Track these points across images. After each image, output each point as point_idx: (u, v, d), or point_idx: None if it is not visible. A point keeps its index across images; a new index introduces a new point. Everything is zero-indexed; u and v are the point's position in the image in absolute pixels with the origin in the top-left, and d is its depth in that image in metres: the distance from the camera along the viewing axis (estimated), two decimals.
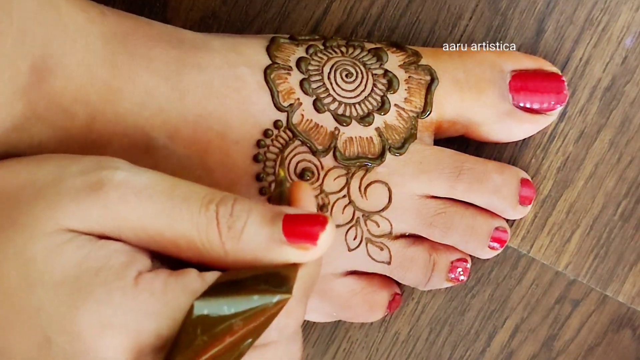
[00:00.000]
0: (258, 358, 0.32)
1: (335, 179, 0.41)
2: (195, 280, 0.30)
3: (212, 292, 0.30)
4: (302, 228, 0.31)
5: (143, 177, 0.31)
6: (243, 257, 0.31)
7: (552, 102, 0.42)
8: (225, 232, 0.31)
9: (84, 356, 0.30)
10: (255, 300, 0.30)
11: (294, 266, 0.31)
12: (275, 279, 0.31)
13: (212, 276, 0.31)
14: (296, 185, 0.34)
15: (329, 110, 0.41)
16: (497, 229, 0.43)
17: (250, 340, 0.30)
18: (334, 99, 0.41)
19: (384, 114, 0.41)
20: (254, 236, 0.31)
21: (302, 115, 0.40)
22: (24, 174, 0.32)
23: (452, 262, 0.43)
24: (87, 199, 0.30)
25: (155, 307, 0.30)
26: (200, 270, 0.31)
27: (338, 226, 0.41)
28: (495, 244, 0.43)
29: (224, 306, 0.30)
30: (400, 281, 0.44)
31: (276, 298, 0.30)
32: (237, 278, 0.31)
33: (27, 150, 0.36)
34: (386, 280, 0.44)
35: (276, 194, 0.35)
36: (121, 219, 0.30)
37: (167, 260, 0.32)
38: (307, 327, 0.46)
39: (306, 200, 0.33)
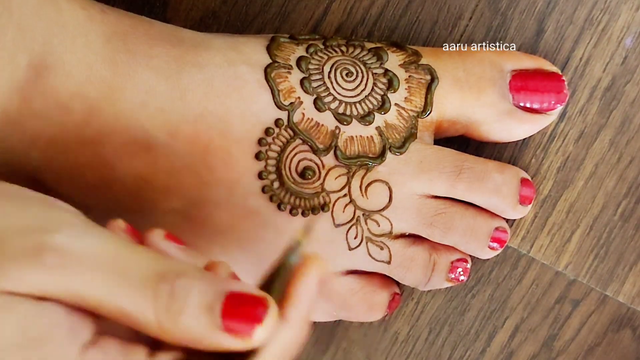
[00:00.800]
0: None
1: (336, 178, 0.41)
2: None
3: None
4: (240, 319, 0.29)
5: (85, 243, 0.30)
6: (180, 339, 0.30)
7: (552, 102, 0.42)
8: (162, 313, 0.29)
9: None
10: None
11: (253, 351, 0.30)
12: None
13: (165, 358, 0.30)
14: (309, 263, 0.31)
15: (329, 109, 0.41)
16: (497, 229, 0.43)
17: None
18: (335, 98, 0.41)
19: (384, 113, 0.41)
20: (191, 319, 0.29)
21: (303, 114, 0.40)
22: None
23: (452, 262, 0.43)
24: (27, 265, 0.29)
25: None
26: None
27: (339, 225, 0.41)
28: (495, 244, 0.43)
29: None
30: (400, 281, 0.44)
31: None
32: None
33: (17, 145, 0.35)
34: (386, 280, 0.44)
35: (277, 264, 0.32)
36: (60, 286, 0.29)
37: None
38: None
39: (302, 301, 0.31)
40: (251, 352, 0.30)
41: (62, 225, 0.30)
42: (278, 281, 0.31)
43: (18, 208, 0.30)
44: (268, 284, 0.31)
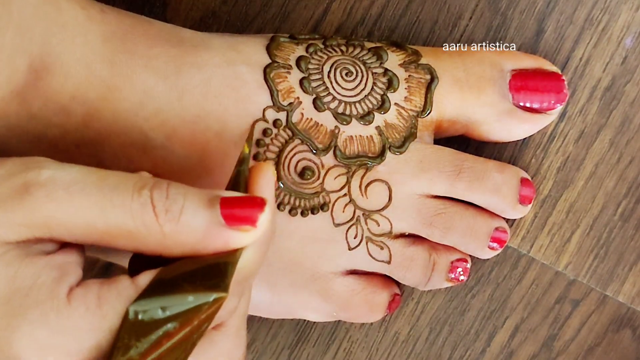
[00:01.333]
0: (199, 356, 0.31)
1: (335, 178, 0.41)
2: (128, 287, 0.30)
3: (146, 294, 0.29)
4: (240, 210, 0.30)
5: (71, 172, 0.30)
6: (182, 240, 0.30)
7: (552, 102, 0.42)
8: (162, 215, 0.30)
9: None
10: (190, 302, 0.29)
11: (234, 254, 0.31)
12: (212, 273, 0.30)
13: (145, 279, 0.30)
14: (257, 168, 0.33)
15: (329, 109, 0.41)
16: (496, 229, 0.43)
17: (191, 341, 0.30)
18: (334, 98, 0.41)
19: (384, 113, 0.41)
20: (192, 218, 0.30)
21: (302, 114, 0.40)
22: None
23: (452, 262, 0.43)
24: (14, 205, 0.29)
25: (93, 322, 0.29)
26: (136, 262, 0.31)
27: (339, 225, 0.41)
28: (495, 244, 0.43)
29: (158, 310, 0.29)
30: (400, 281, 0.44)
31: (212, 297, 0.29)
32: (172, 275, 0.30)
33: (18, 148, 0.35)
34: (386, 280, 0.44)
35: (234, 172, 0.34)
36: (50, 218, 0.30)
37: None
38: (307, 327, 0.46)
39: (264, 186, 0.32)
40: (231, 259, 0.30)
41: (44, 162, 0.31)
42: (239, 188, 0.32)
43: None
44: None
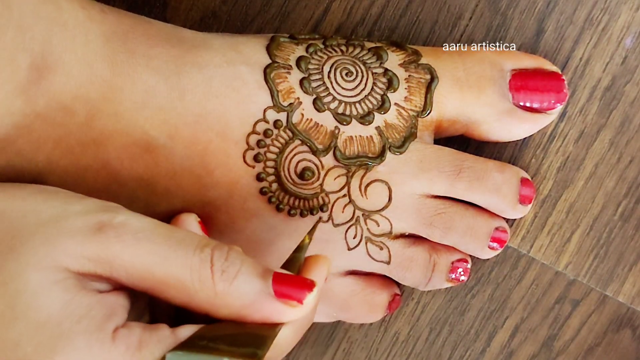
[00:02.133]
0: None
1: (335, 178, 0.41)
2: (168, 336, 0.31)
3: (184, 346, 0.30)
4: (291, 287, 0.32)
5: (142, 221, 0.32)
6: (231, 302, 0.32)
7: (552, 101, 0.42)
8: (218, 275, 0.32)
9: None
10: None
11: (274, 328, 0.32)
12: (250, 341, 0.31)
13: (185, 331, 0.31)
14: (315, 258, 0.35)
15: (329, 109, 0.41)
16: (497, 229, 0.43)
17: None
18: (334, 98, 0.41)
19: (384, 113, 0.41)
20: (245, 283, 0.32)
21: (302, 114, 0.40)
22: (30, 201, 0.32)
23: (452, 263, 0.43)
24: (85, 239, 0.31)
25: None
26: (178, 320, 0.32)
27: (338, 225, 0.41)
28: (495, 244, 0.43)
29: None
30: (400, 281, 0.44)
31: None
32: (212, 335, 0.31)
33: (26, 146, 0.36)
34: (386, 281, 0.44)
35: (291, 257, 0.35)
36: (115, 257, 0.31)
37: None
38: None
39: (316, 274, 0.34)
40: (270, 333, 0.32)
41: (119, 209, 0.33)
42: (292, 271, 0.34)
43: (77, 199, 0.33)
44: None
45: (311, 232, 0.37)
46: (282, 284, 0.32)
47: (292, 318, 0.32)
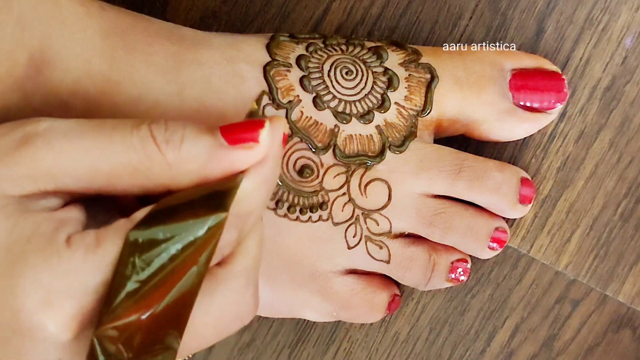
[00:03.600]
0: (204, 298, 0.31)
1: (335, 177, 0.41)
2: (125, 222, 0.30)
3: (145, 222, 0.29)
4: (241, 132, 0.31)
5: (68, 122, 0.31)
6: (187, 167, 0.31)
7: (552, 101, 0.42)
8: (164, 146, 0.30)
9: (28, 334, 0.29)
10: (190, 225, 0.29)
11: (234, 179, 0.31)
12: (214, 198, 0.30)
13: (140, 213, 0.30)
14: (270, 119, 0.33)
15: (328, 107, 0.41)
16: (496, 229, 0.43)
17: (196, 267, 0.30)
18: (334, 97, 0.41)
19: (384, 112, 0.41)
20: (195, 144, 0.31)
21: (302, 112, 0.40)
22: None
23: (452, 263, 0.43)
24: (15, 157, 0.30)
25: (94, 261, 0.29)
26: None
27: (338, 224, 0.41)
28: (495, 245, 0.43)
29: (159, 232, 0.29)
30: (399, 281, 0.44)
31: (212, 217, 0.29)
32: (173, 204, 0.30)
33: None
34: (386, 281, 0.44)
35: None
36: (53, 166, 0.30)
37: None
38: (308, 326, 0.46)
39: (275, 131, 0.33)
40: (233, 183, 0.31)
41: (41, 118, 0.31)
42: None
43: None
44: None
45: (259, 99, 0.37)
46: (232, 132, 0.31)
47: (254, 160, 0.31)
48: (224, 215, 0.30)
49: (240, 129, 0.31)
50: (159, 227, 0.29)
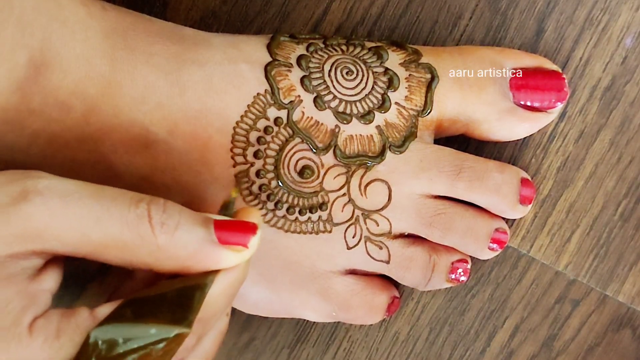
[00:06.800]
0: None
1: (335, 177, 0.41)
2: (87, 318, 0.30)
3: (109, 320, 0.30)
4: (234, 232, 0.32)
5: (68, 184, 0.31)
6: (175, 254, 0.31)
7: (553, 100, 0.42)
8: (158, 228, 0.31)
9: None
10: (152, 335, 0.29)
11: (205, 277, 0.31)
12: (178, 304, 0.30)
13: (105, 309, 0.30)
14: (244, 212, 0.34)
15: (329, 107, 0.41)
16: (497, 230, 0.43)
17: None
18: (335, 97, 0.41)
19: (384, 112, 0.41)
20: (187, 233, 0.31)
21: (303, 112, 0.40)
22: None
23: (452, 263, 0.43)
24: (10, 214, 0.30)
25: (50, 353, 0.29)
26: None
27: (337, 224, 0.41)
28: (495, 245, 0.43)
29: (120, 339, 0.29)
30: (399, 281, 0.44)
31: (174, 332, 0.30)
32: (140, 297, 0.30)
33: (17, 141, 0.35)
34: (386, 282, 0.44)
35: (220, 213, 0.34)
36: (45, 228, 0.30)
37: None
38: (307, 326, 0.46)
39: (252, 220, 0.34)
40: (202, 284, 0.31)
41: (41, 174, 0.31)
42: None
43: None
44: None
45: (237, 186, 0.37)
46: (225, 229, 0.32)
47: (236, 263, 0.32)
48: (186, 332, 0.30)
49: (233, 228, 0.32)
50: (120, 328, 0.29)
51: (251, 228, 0.32)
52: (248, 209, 0.34)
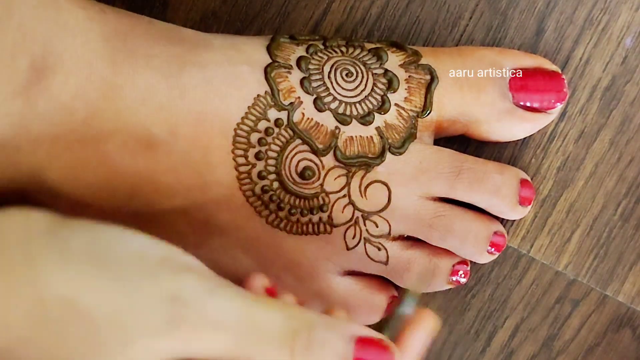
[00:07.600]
0: None
1: (335, 179, 0.41)
2: None
3: None
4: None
5: (217, 304, 0.30)
6: None
7: (552, 101, 0.42)
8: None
9: None
10: None
11: None
12: None
13: None
14: (420, 320, 0.34)
15: (329, 109, 0.41)
16: (495, 233, 0.43)
17: None
18: (335, 98, 0.41)
19: (384, 114, 0.41)
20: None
21: (303, 113, 0.40)
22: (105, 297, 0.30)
23: (453, 266, 0.43)
24: (161, 337, 0.30)
25: None
26: None
27: (337, 225, 0.41)
28: (493, 249, 0.43)
29: None
30: (397, 283, 0.44)
31: None
32: None
33: (24, 143, 0.36)
34: (384, 283, 0.44)
35: (394, 313, 0.35)
36: (193, 352, 0.30)
37: None
38: None
39: (414, 342, 0.34)
40: None
41: (194, 289, 0.31)
42: (390, 327, 0.34)
43: (142, 276, 0.30)
44: (380, 329, 0.34)
45: (421, 286, 0.37)
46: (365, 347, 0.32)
47: None
48: None
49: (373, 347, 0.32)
50: None
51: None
52: (428, 315, 0.34)
